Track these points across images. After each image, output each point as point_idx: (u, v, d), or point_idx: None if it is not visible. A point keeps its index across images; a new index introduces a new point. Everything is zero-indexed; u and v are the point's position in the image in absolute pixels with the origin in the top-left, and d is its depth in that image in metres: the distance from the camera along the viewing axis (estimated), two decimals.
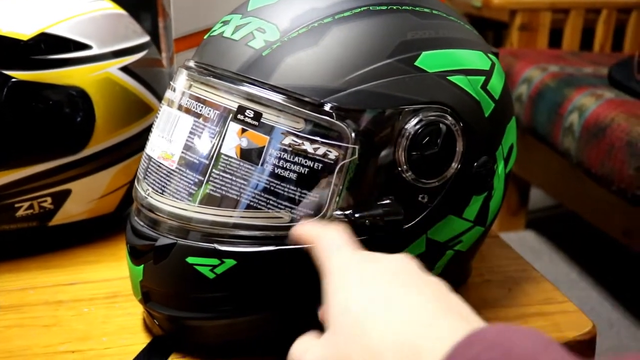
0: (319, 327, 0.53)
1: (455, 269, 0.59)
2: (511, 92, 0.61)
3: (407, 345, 0.34)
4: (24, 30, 0.67)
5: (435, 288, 0.38)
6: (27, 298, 0.64)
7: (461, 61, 0.54)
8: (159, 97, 0.77)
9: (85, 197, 0.72)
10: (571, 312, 0.61)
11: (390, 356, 0.34)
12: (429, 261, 0.54)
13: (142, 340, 0.56)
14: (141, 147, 0.74)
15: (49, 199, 0.70)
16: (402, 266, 0.41)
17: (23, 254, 0.71)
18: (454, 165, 0.52)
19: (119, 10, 0.77)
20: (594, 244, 1.96)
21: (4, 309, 0.62)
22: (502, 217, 2.01)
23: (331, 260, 0.43)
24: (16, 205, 0.68)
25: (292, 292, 0.51)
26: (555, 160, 1.60)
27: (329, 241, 0.44)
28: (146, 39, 0.78)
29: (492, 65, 0.57)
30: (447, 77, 0.52)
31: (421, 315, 0.35)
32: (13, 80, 0.65)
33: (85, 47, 0.70)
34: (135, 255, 0.54)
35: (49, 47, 0.67)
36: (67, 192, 0.70)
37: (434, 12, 0.55)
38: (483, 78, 0.55)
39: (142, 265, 0.53)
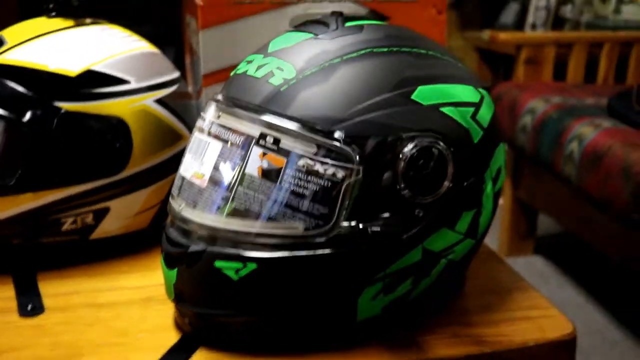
0: (334, 323, 0.61)
1: (450, 278, 0.66)
2: (499, 121, 0.69)
3: None
4: (72, 67, 0.76)
5: None
6: (71, 301, 0.72)
7: (452, 95, 0.62)
8: (188, 126, 0.85)
9: (122, 214, 0.81)
10: (554, 316, 0.68)
11: None
12: (425, 268, 0.62)
13: (173, 337, 0.64)
14: (172, 170, 0.83)
15: (90, 215, 0.78)
16: None
17: (67, 264, 0.78)
18: (446, 184, 0.60)
19: (153, 49, 0.86)
20: (600, 268, 2.01)
21: (51, 310, 0.70)
22: (511, 242, 2.08)
23: None
24: (62, 220, 0.77)
25: (307, 292, 0.59)
26: (559, 188, 1.67)
27: None
28: (177, 74, 0.87)
29: (482, 98, 0.65)
30: (440, 109, 0.60)
31: None
32: (62, 111, 0.74)
33: (124, 82, 0.79)
34: (170, 261, 0.62)
35: (93, 82, 0.77)
36: (107, 210, 0.79)
37: (429, 53, 0.64)
38: (472, 109, 0.63)
39: (176, 270, 0.61)
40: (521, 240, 2.08)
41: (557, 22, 2.63)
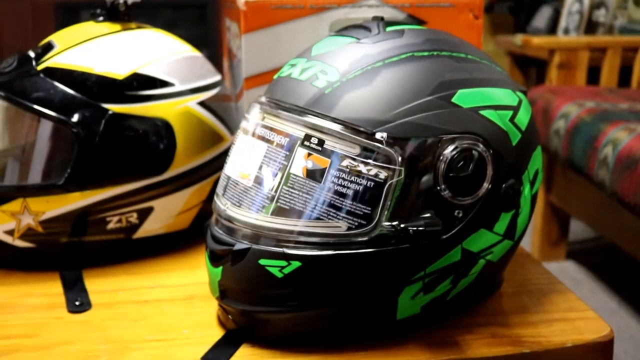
0: (374, 321, 0.62)
1: (488, 278, 0.67)
2: (536, 124, 0.69)
3: None
4: (119, 70, 0.79)
5: None
6: (117, 298, 0.74)
7: (491, 98, 0.63)
8: (229, 128, 0.87)
9: (165, 213, 0.83)
10: (591, 318, 0.68)
11: None
12: (464, 268, 0.63)
13: (217, 333, 0.66)
14: (214, 171, 0.85)
15: (135, 215, 0.81)
16: None
17: (111, 262, 0.81)
18: (485, 185, 0.61)
19: (196, 53, 0.89)
20: (633, 274, 1.99)
21: (97, 306, 0.72)
22: (543, 247, 2.07)
23: None
24: (107, 219, 0.79)
25: (348, 290, 0.60)
26: (593, 192, 1.66)
27: None
28: (219, 77, 0.89)
29: (520, 102, 0.66)
30: (479, 112, 0.62)
31: None
32: (110, 112, 0.77)
33: (169, 84, 0.81)
34: (215, 259, 0.64)
35: (139, 85, 0.79)
36: (150, 209, 0.81)
37: (468, 56, 0.65)
38: (511, 112, 0.64)
39: (221, 267, 0.63)
40: (553, 245, 2.07)
41: (590, 26, 2.62)
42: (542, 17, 2.87)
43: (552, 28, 2.80)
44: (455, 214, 0.60)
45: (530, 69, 2.75)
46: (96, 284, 0.77)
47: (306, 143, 0.59)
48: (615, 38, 2.23)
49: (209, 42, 2.88)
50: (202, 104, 0.84)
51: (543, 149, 1.89)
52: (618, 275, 2.02)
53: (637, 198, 1.32)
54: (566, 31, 2.66)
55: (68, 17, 2.81)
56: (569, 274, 2.03)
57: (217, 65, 1.05)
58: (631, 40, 2.07)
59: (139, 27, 0.87)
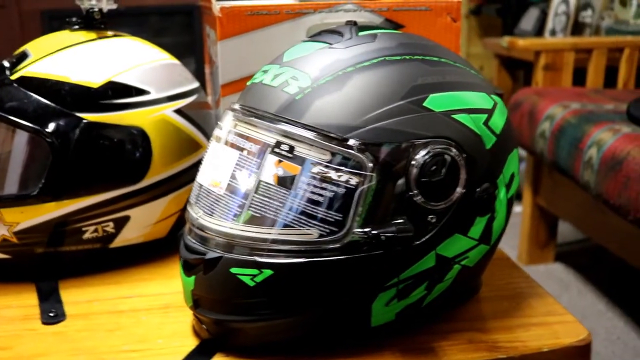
0: (348, 329, 0.62)
1: (464, 283, 0.67)
2: (513, 128, 0.69)
3: None
4: (94, 79, 0.78)
5: None
6: (92, 308, 0.73)
7: (464, 102, 0.63)
8: (207, 136, 0.87)
9: (142, 222, 0.82)
10: (569, 322, 0.68)
11: None
12: (439, 274, 0.63)
13: (191, 343, 0.65)
14: (191, 179, 0.84)
15: (111, 224, 0.80)
16: None
17: (88, 272, 0.80)
18: (459, 190, 0.61)
19: (173, 60, 0.88)
20: (621, 275, 2.00)
21: (72, 317, 0.71)
22: (531, 249, 2.07)
23: None
24: (83, 228, 0.79)
25: (321, 297, 0.60)
26: (579, 194, 1.66)
27: None
28: (196, 84, 0.89)
29: (495, 105, 0.66)
30: (452, 116, 0.61)
31: None
32: (84, 121, 0.76)
33: (144, 92, 0.81)
34: (188, 268, 0.63)
35: (114, 93, 0.78)
36: (127, 218, 0.81)
37: (442, 60, 0.65)
38: (485, 116, 0.64)
39: (194, 276, 0.62)
40: (542, 248, 2.07)
41: (576, 27, 2.62)
42: (530, 18, 2.87)
43: (539, 30, 2.81)
44: (429, 219, 0.60)
45: (518, 71, 2.75)
46: (72, 295, 0.76)
47: (276, 150, 0.59)
48: (601, 39, 2.24)
49: (195, 49, 2.88)
50: (179, 111, 0.83)
51: (529, 151, 1.89)
52: (606, 276, 2.02)
53: (622, 199, 1.32)
54: (553, 33, 2.67)
55: (55, 24, 2.80)
56: (557, 276, 2.03)
57: (202, 72, 1.04)
58: (617, 40, 2.07)
59: (115, 36, 0.86)
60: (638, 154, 1.30)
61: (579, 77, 2.04)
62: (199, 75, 1.04)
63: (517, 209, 2.45)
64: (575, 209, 1.83)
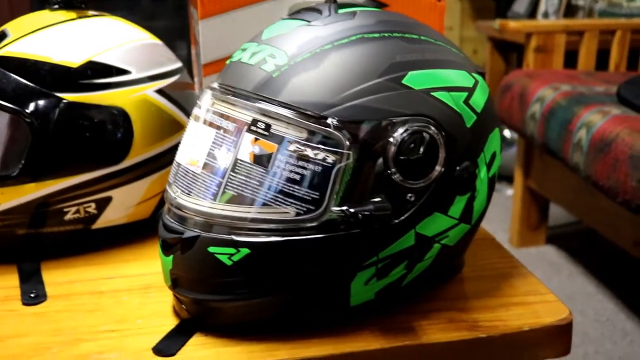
0: (324, 307, 0.61)
1: (445, 262, 0.66)
2: (494, 106, 0.68)
3: None
4: (74, 58, 0.77)
5: None
6: (74, 289, 0.73)
7: (444, 79, 0.62)
8: (189, 116, 0.86)
9: (124, 203, 0.82)
10: (551, 302, 0.68)
11: None
12: (419, 253, 0.62)
13: (171, 323, 0.65)
14: (173, 159, 0.84)
15: (93, 205, 0.79)
16: None
17: (70, 253, 0.80)
18: (438, 168, 0.60)
19: (155, 40, 0.87)
20: (611, 257, 2.00)
21: (53, 298, 0.71)
22: (523, 232, 2.07)
23: None
24: (65, 209, 0.78)
25: (299, 276, 0.59)
26: (569, 176, 1.66)
27: None
28: (178, 65, 0.88)
29: (475, 83, 0.65)
30: (431, 93, 0.61)
31: None
32: (64, 101, 0.76)
33: (125, 72, 0.80)
34: (166, 247, 0.63)
35: (94, 73, 0.78)
36: (109, 199, 0.80)
37: (421, 38, 0.64)
38: (465, 94, 0.63)
39: (172, 256, 0.62)
40: (533, 230, 2.07)
41: (569, 10, 2.61)
42: (523, 1, 2.86)
43: (532, 12, 2.79)
44: (407, 197, 0.60)
45: (511, 54, 2.74)
46: (54, 276, 0.76)
47: (253, 128, 0.58)
48: (593, 21, 2.23)
49: (187, 33, 2.86)
50: (160, 91, 0.82)
51: (520, 134, 1.89)
52: (597, 259, 2.03)
53: (611, 181, 1.32)
54: (545, 15, 2.66)
55: (44, 6, 2.78)
56: (548, 258, 2.03)
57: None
58: (608, 23, 2.06)
59: (95, 15, 0.85)
60: (627, 136, 1.30)
61: (571, 59, 2.03)
62: (190, 59, 1.03)
63: (508, 191, 2.45)
64: (565, 192, 1.84)
